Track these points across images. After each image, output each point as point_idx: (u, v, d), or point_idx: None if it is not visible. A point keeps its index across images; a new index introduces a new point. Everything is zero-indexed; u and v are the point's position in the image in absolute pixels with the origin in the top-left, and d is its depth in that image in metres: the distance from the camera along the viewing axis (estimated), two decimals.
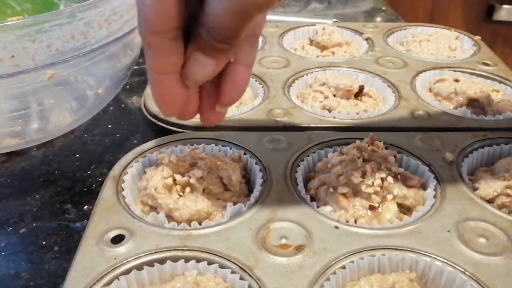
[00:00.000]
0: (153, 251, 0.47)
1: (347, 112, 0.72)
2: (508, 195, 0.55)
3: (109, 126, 0.76)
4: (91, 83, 0.68)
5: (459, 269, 0.45)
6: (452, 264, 0.46)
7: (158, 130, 0.69)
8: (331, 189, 0.55)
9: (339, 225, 0.51)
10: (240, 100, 0.75)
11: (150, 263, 0.46)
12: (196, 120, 0.72)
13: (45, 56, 0.54)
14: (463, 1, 1.86)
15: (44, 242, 0.55)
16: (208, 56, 0.39)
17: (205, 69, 0.40)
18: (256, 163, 0.60)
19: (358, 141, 0.60)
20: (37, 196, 0.62)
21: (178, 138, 0.64)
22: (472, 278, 0.45)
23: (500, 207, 0.55)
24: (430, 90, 0.81)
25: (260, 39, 0.96)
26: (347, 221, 0.52)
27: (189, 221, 0.52)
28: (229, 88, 0.43)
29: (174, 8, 0.36)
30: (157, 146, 0.63)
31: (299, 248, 0.48)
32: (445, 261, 0.46)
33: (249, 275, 0.45)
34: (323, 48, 0.95)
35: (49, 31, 0.53)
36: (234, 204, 0.55)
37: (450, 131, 0.67)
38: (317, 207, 0.54)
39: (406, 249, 0.48)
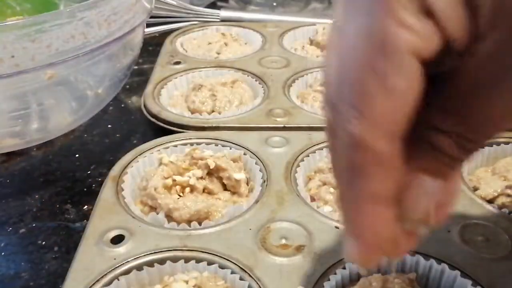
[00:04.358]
0: (153, 251, 0.47)
1: None
2: (508, 195, 0.55)
3: (109, 126, 0.76)
4: (91, 83, 0.68)
5: (459, 269, 0.45)
6: (452, 264, 0.46)
7: (158, 130, 0.69)
8: (331, 189, 0.55)
9: (339, 225, 0.51)
10: (240, 100, 0.75)
11: (150, 263, 0.46)
12: (196, 120, 0.72)
13: (45, 56, 0.54)
14: None
15: (44, 242, 0.54)
16: (436, 175, 0.25)
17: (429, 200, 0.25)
18: (256, 163, 0.60)
19: None
20: (36, 196, 0.61)
21: (178, 138, 0.64)
22: (473, 279, 0.44)
23: (501, 207, 0.54)
24: None
25: (260, 39, 0.96)
26: None
27: (189, 221, 0.52)
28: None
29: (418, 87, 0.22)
30: (157, 146, 0.63)
31: (299, 248, 0.48)
32: (445, 261, 0.46)
33: (249, 275, 0.45)
34: (323, 48, 0.95)
35: (49, 31, 0.53)
36: (234, 204, 0.55)
37: None
38: (317, 207, 0.54)
39: None
